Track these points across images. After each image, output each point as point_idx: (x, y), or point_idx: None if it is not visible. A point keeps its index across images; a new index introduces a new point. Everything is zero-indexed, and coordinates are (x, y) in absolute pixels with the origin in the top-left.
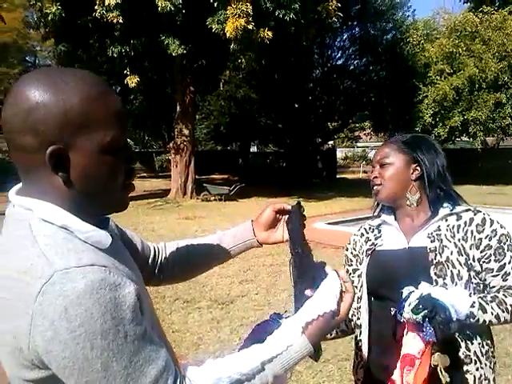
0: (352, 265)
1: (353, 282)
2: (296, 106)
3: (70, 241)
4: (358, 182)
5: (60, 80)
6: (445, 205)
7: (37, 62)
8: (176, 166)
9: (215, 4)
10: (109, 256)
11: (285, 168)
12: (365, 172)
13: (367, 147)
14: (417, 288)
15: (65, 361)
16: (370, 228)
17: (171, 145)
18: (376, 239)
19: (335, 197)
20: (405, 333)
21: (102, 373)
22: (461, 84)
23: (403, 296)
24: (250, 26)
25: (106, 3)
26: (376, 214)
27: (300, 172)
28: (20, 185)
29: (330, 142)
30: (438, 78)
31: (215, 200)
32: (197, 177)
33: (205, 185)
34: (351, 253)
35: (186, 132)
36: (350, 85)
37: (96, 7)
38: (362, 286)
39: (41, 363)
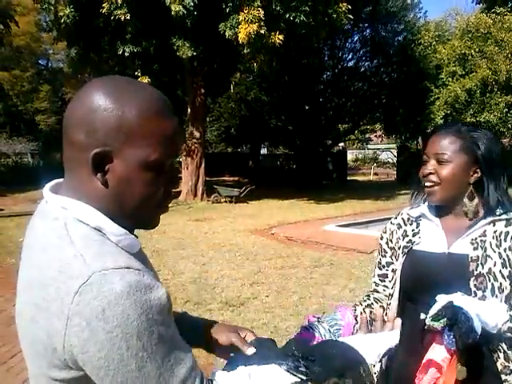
0: (386, 256)
1: (386, 275)
2: (306, 107)
3: (104, 243)
4: (369, 185)
5: (124, 90)
6: (497, 211)
7: (49, 65)
8: (187, 168)
9: (227, 9)
10: (137, 260)
11: (295, 170)
12: (376, 174)
13: (378, 149)
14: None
15: (100, 361)
16: (408, 219)
17: (182, 147)
18: (414, 235)
19: (346, 199)
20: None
21: (137, 373)
22: (473, 86)
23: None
24: (263, 31)
25: (114, 0)
26: (415, 205)
27: (310, 174)
28: (54, 182)
29: (341, 144)
30: (450, 79)
31: (225, 202)
32: (207, 179)
33: (215, 187)
34: (386, 243)
35: (197, 134)
36: (360, 86)
37: (104, 5)
38: (394, 284)
39: (74, 363)
